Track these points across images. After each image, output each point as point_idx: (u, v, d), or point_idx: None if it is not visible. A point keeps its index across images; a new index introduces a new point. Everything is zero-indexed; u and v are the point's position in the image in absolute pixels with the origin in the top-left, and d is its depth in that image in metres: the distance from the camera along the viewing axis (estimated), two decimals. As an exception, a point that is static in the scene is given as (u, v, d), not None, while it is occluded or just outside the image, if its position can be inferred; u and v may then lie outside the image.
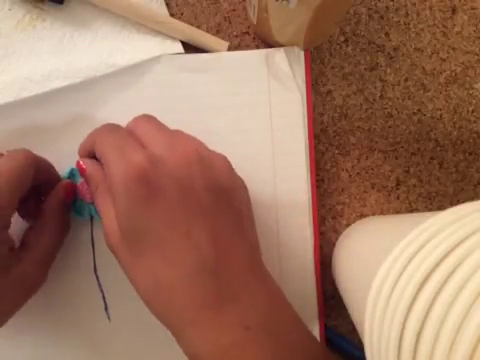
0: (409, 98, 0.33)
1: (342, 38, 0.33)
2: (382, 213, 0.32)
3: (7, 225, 0.24)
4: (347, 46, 0.33)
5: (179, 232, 0.21)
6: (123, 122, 0.25)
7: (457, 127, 0.33)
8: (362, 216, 0.32)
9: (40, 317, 0.29)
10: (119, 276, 0.29)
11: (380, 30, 0.33)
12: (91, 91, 0.29)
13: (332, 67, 0.32)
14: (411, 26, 0.33)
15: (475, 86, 0.33)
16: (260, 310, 0.21)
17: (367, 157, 0.32)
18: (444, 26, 0.33)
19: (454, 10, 0.33)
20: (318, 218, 0.31)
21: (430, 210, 0.33)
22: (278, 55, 0.30)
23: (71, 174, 0.28)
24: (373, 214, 0.32)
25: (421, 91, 0.33)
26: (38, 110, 0.29)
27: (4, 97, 0.28)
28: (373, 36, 0.33)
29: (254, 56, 0.30)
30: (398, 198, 0.33)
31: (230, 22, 0.32)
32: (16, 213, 0.26)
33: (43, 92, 0.29)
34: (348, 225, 0.32)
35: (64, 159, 0.28)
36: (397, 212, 0.33)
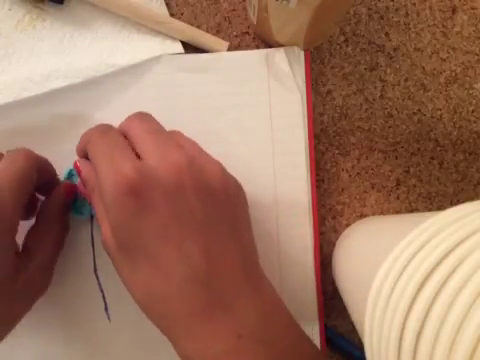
0: (409, 98, 0.33)
1: (342, 38, 0.33)
2: (382, 213, 0.32)
3: (14, 231, 0.23)
4: (347, 46, 0.33)
5: (171, 246, 0.21)
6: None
7: (457, 127, 0.33)
8: (362, 216, 0.32)
9: (40, 317, 0.29)
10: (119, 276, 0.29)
11: (380, 30, 0.33)
12: (91, 91, 0.29)
13: (332, 67, 0.32)
14: (411, 26, 0.33)
15: (475, 86, 0.33)
16: (253, 318, 0.21)
17: (367, 157, 0.32)
18: (444, 26, 0.33)
19: (454, 10, 0.33)
20: (318, 218, 0.31)
21: (430, 210, 0.33)
22: (278, 55, 0.30)
23: (70, 174, 0.28)
24: (373, 214, 0.32)
25: (421, 91, 0.33)
26: (38, 110, 0.29)
27: (4, 97, 0.28)
28: (373, 36, 0.33)
29: (254, 56, 0.30)
30: (398, 198, 0.33)
31: (230, 22, 0.32)
32: None
33: (43, 92, 0.29)
34: (348, 225, 0.32)
35: (64, 159, 0.28)
36: (397, 212, 0.33)
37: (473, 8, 0.33)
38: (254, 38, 0.32)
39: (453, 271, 0.16)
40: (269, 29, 0.29)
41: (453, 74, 0.33)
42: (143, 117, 0.24)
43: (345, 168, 0.32)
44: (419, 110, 0.33)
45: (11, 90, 0.28)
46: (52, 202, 0.26)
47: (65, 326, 0.29)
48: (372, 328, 0.19)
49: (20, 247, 0.25)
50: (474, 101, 0.33)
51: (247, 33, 0.32)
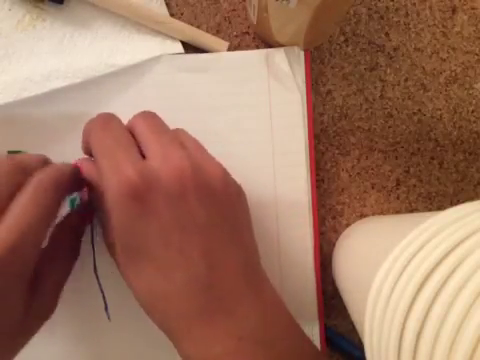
0: (409, 98, 0.33)
1: (342, 38, 0.33)
2: (382, 213, 0.32)
3: (31, 271, 0.22)
4: (347, 46, 0.33)
5: (172, 249, 0.21)
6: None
7: (457, 127, 0.33)
8: (362, 216, 0.32)
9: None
10: (119, 276, 0.29)
11: (380, 30, 0.33)
12: (91, 91, 0.29)
13: (332, 67, 0.32)
14: (411, 26, 0.33)
15: (475, 86, 0.33)
16: (254, 320, 0.21)
17: (367, 157, 0.32)
18: (444, 26, 0.33)
19: (454, 10, 0.33)
20: (318, 218, 0.31)
21: (430, 210, 0.33)
22: (278, 55, 0.30)
23: None
24: (373, 214, 0.32)
25: (421, 91, 0.33)
26: (38, 110, 0.29)
27: (4, 97, 0.28)
28: (373, 36, 0.33)
29: (254, 56, 0.30)
30: (398, 198, 0.33)
31: (230, 22, 0.32)
32: None
33: (43, 92, 0.29)
34: (348, 225, 0.32)
35: (64, 159, 0.28)
36: (397, 212, 0.33)
37: (473, 8, 0.33)
38: (254, 38, 0.32)
39: (453, 271, 0.16)
40: (269, 29, 0.29)
41: (453, 74, 0.33)
42: (147, 116, 0.24)
43: (345, 168, 0.32)
44: (419, 110, 0.33)
45: (11, 90, 0.28)
46: (65, 229, 0.26)
47: (65, 326, 0.29)
48: (372, 328, 0.19)
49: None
50: (474, 101, 0.33)
51: (247, 33, 0.32)
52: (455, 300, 0.15)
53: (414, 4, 0.33)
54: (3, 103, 0.28)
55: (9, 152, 0.29)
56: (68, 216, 0.26)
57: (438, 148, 0.33)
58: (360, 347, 0.30)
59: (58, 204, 0.23)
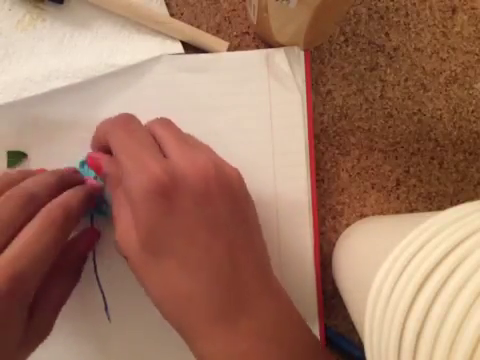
0: (409, 98, 0.33)
1: (342, 38, 0.33)
2: (382, 213, 0.32)
3: (30, 299, 0.22)
4: (347, 46, 0.33)
5: (199, 247, 0.21)
6: None
7: (457, 127, 0.33)
8: (362, 216, 0.32)
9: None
10: (119, 276, 0.29)
11: (380, 30, 0.33)
12: (91, 91, 0.29)
13: (332, 67, 0.32)
14: (411, 26, 0.33)
15: (475, 86, 0.33)
16: (269, 320, 0.22)
17: (367, 157, 0.32)
18: (444, 26, 0.33)
19: (454, 10, 0.33)
20: (318, 218, 0.31)
21: (430, 210, 0.33)
22: (278, 55, 0.30)
23: (81, 166, 0.28)
24: (373, 214, 0.32)
25: (421, 91, 0.33)
26: (38, 110, 0.29)
27: (4, 97, 0.28)
28: (373, 36, 0.33)
29: (254, 56, 0.30)
30: (398, 198, 0.33)
31: (230, 22, 0.32)
32: None
33: (43, 92, 0.29)
34: (348, 225, 0.32)
35: (64, 159, 0.28)
36: (397, 212, 0.33)
37: (473, 8, 0.33)
38: (254, 38, 0.32)
39: (453, 271, 0.16)
40: (269, 29, 0.29)
41: (453, 74, 0.33)
42: (164, 121, 0.25)
43: (345, 168, 0.32)
44: (419, 110, 0.33)
45: (11, 90, 0.28)
46: (70, 254, 0.26)
47: (65, 326, 0.29)
48: (372, 328, 0.19)
49: None
50: (474, 101, 0.33)
51: (247, 33, 0.32)
52: (455, 300, 0.15)
53: (414, 4, 0.33)
54: (3, 103, 0.28)
55: (9, 152, 0.29)
56: (73, 241, 0.26)
57: (438, 148, 0.33)
58: (360, 347, 0.30)
59: (67, 233, 0.24)
